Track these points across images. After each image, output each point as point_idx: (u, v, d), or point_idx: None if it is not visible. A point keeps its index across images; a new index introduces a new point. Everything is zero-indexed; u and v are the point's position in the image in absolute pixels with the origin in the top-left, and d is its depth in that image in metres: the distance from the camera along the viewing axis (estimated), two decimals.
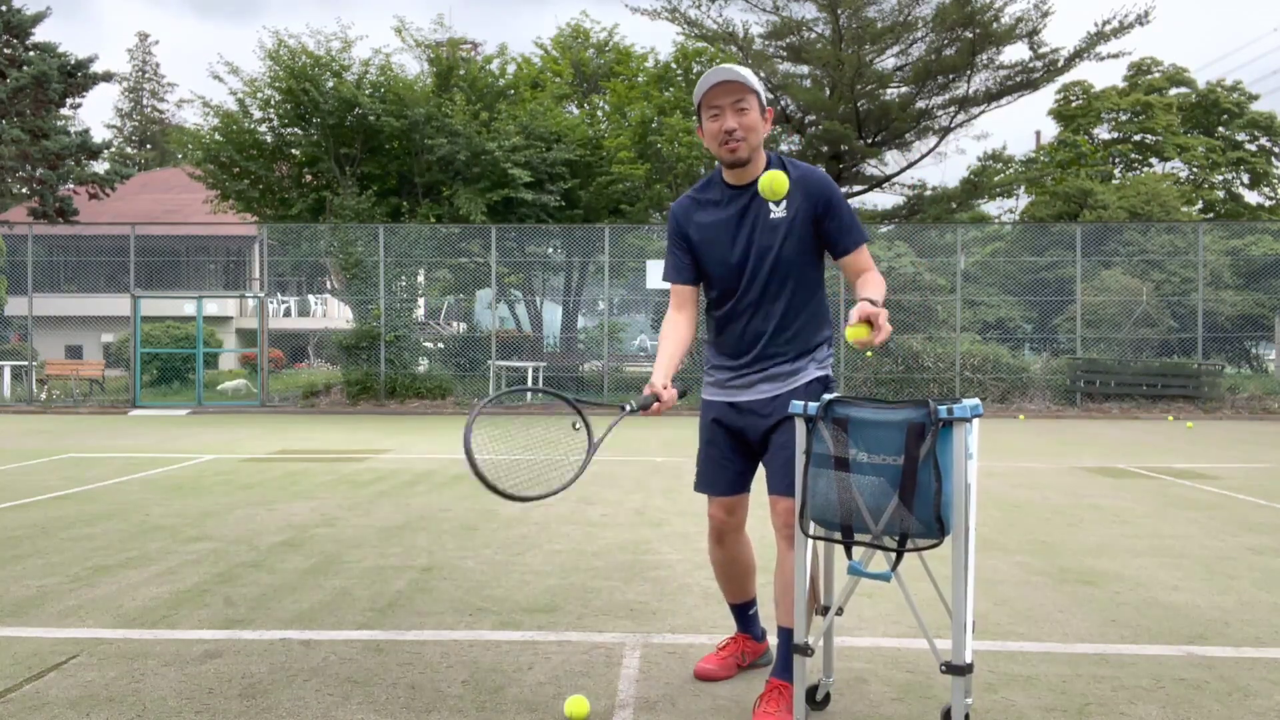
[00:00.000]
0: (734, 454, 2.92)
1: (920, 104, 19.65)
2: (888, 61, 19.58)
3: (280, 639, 3.44)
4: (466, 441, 2.36)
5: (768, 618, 3.11)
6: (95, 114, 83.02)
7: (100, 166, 28.99)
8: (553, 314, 21.82)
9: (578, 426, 2.60)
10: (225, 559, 4.73)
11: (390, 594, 4.07)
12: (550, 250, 20.59)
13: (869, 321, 2.45)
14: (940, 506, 2.28)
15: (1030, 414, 15.95)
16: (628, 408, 2.57)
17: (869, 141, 19.89)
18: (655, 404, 2.61)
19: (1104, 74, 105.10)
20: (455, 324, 21.49)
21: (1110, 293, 18.06)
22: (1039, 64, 19.04)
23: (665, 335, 2.88)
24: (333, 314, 30.29)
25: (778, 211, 2.78)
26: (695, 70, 20.69)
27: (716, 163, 2.89)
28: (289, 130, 18.35)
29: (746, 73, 2.73)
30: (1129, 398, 16.59)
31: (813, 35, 19.51)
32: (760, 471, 2.92)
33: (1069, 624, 3.68)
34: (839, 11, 18.64)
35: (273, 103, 17.81)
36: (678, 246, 2.93)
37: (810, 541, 2.55)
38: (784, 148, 19.88)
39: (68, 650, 3.31)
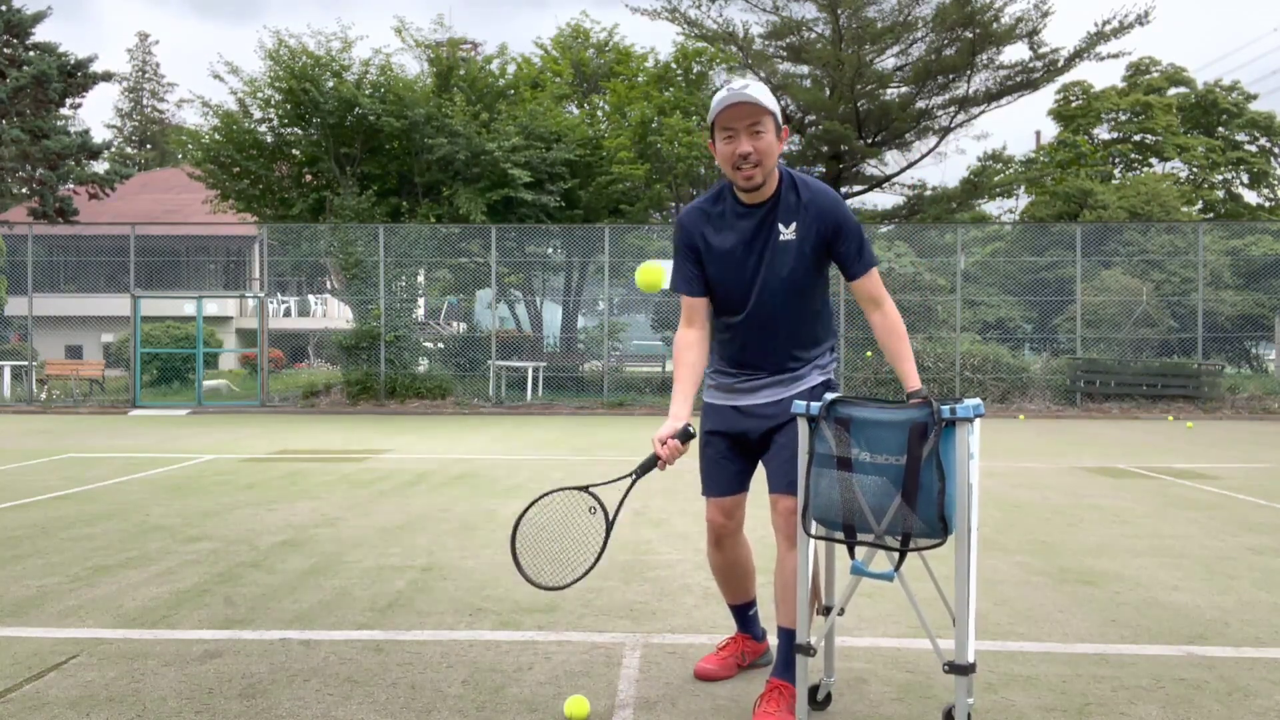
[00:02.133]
0: (733, 453, 2.92)
1: (920, 104, 19.65)
2: (888, 61, 19.59)
3: (280, 639, 3.44)
4: (513, 544, 2.73)
5: (767, 618, 3.11)
6: (95, 114, 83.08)
7: (100, 166, 28.94)
8: (553, 314, 21.80)
9: (594, 510, 2.75)
10: (225, 559, 4.73)
11: (390, 594, 4.07)
12: (550, 250, 20.58)
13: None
14: (944, 506, 2.28)
15: (1030, 414, 15.95)
16: (635, 477, 2.73)
17: (869, 141, 19.89)
18: (659, 462, 2.68)
19: (1104, 74, 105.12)
20: (455, 324, 21.49)
21: (1110, 293, 18.06)
22: (1039, 64, 19.05)
23: (681, 360, 2.83)
24: (333, 314, 30.28)
25: (787, 233, 2.75)
26: (695, 70, 20.68)
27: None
28: (289, 130, 18.34)
29: (763, 93, 2.65)
30: (1129, 398, 16.58)
31: (813, 35, 19.52)
32: (760, 474, 2.92)
33: (1069, 624, 3.68)
34: (839, 11, 18.64)
35: (273, 102, 17.81)
36: (687, 258, 2.84)
37: (812, 541, 2.55)
38: (784, 148, 19.88)
39: (68, 650, 3.31)
